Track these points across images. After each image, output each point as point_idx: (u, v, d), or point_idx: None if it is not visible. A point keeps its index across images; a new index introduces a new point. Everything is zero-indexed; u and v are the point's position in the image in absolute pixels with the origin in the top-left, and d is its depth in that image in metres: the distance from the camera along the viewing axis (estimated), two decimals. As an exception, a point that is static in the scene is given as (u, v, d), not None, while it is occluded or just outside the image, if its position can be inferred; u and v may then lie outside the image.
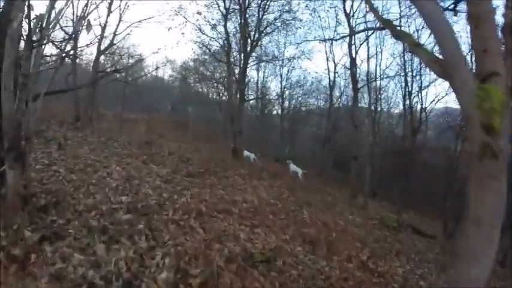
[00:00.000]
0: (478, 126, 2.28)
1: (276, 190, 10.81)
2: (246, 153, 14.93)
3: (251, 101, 25.70)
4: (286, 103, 27.92)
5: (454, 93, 2.61)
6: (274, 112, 30.98)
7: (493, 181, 2.30)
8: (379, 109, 21.69)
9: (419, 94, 18.73)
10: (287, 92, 26.91)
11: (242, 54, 14.29)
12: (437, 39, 2.70)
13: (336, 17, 17.09)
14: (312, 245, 6.63)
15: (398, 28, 5.02)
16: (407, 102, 18.77)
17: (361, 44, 16.50)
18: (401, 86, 19.49)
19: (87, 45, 16.23)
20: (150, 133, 13.70)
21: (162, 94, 30.64)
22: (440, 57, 2.65)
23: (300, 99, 27.82)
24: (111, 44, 16.15)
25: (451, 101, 19.34)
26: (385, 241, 9.40)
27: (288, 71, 26.01)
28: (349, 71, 16.99)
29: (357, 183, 15.96)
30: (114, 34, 16.04)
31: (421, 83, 18.53)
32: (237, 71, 15.71)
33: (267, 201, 8.75)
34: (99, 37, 15.65)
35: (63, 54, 6.84)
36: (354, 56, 15.32)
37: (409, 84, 18.64)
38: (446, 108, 21.02)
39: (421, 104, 18.86)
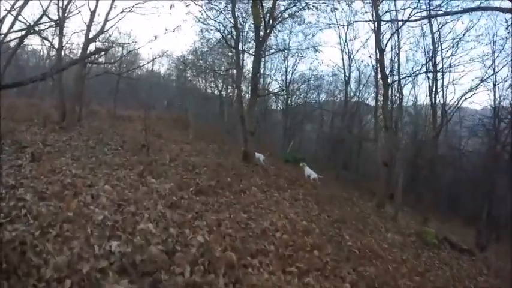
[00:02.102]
0: None
1: (302, 204, 9.06)
2: (257, 155, 13.08)
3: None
4: (292, 98, 25.93)
5: None
6: (273, 107, 29.16)
7: None
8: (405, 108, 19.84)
9: (444, 92, 16.96)
10: (293, 86, 24.87)
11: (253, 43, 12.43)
12: None
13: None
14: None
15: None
16: (433, 100, 16.94)
17: (392, 34, 14.53)
18: (428, 83, 17.37)
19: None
20: (146, 133, 11.72)
21: (158, 89, 28.64)
22: None
23: (307, 94, 25.80)
24: (101, 31, 14.01)
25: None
26: (434, 266, 8.23)
27: (294, 64, 23.97)
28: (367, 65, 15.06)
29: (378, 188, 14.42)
30: (105, 20, 13.93)
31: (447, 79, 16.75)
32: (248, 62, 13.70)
33: (300, 225, 6.96)
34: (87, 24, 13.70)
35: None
36: (383, 47, 13.37)
37: (435, 80, 16.83)
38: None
39: (444, 101, 17.00)
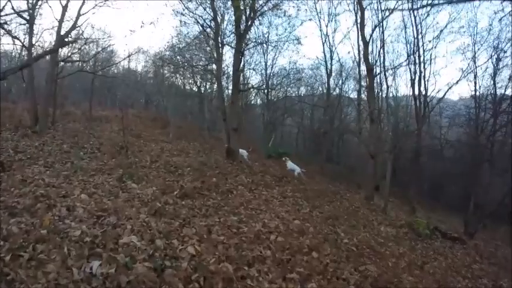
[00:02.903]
0: None
1: (292, 202, 8.71)
2: (240, 151, 12.66)
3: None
4: (272, 92, 25.27)
5: None
6: (253, 102, 28.82)
7: None
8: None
9: (426, 83, 17.24)
10: (273, 80, 24.24)
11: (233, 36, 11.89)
12: None
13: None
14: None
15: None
16: (416, 91, 17.24)
17: (376, 26, 14.32)
18: (410, 74, 17.64)
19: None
20: (124, 134, 11.14)
21: (135, 87, 27.71)
22: None
23: (287, 88, 25.39)
24: (74, 26, 13.17)
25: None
26: (430, 258, 8.20)
27: (274, 58, 23.52)
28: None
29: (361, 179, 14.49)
30: (78, 15, 13.09)
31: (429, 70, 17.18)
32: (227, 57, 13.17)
33: (294, 225, 6.61)
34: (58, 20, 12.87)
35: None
36: (367, 38, 13.12)
37: (417, 72, 17.10)
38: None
39: (426, 92, 17.32)
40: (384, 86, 18.47)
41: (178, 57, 19.12)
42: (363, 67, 19.09)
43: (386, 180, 12.24)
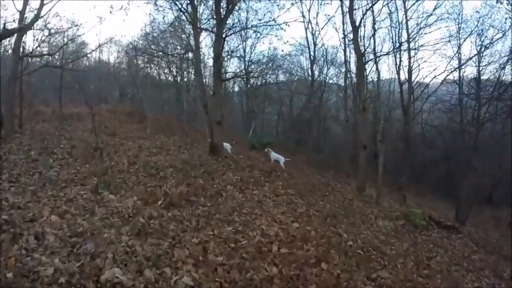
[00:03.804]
0: None
1: (286, 200, 8.15)
2: (224, 145, 11.97)
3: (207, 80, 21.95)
4: (251, 80, 24.47)
5: None
6: (231, 90, 27.75)
7: None
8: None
9: (411, 69, 16.91)
10: (253, 67, 23.30)
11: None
12: None
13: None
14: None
15: None
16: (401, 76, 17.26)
17: (367, 10, 13.70)
18: (395, 61, 17.80)
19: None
20: (97, 134, 10.20)
21: (108, 80, 26.24)
22: None
23: (268, 75, 24.60)
24: (37, 17, 11.91)
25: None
26: (432, 252, 7.95)
27: (253, 44, 22.74)
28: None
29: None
30: (41, 4, 11.82)
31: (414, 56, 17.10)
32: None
33: (294, 230, 6.15)
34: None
35: None
36: (357, 23, 12.58)
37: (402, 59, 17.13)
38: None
39: (410, 78, 17.03)
40: (379, 73, 18.39)
41: (152, 46, 18.17)
42: (349, 53, 18.97)
43: (379, 170, 11.83)
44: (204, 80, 17.05)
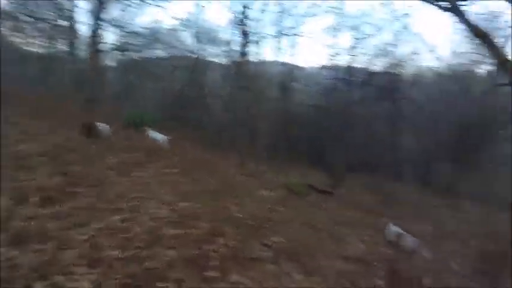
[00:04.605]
0: None
1: (171, 179, 7.90)
2: (101, 125, 10.95)
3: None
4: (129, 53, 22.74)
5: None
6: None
7: None
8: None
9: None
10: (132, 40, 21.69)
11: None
12: None
13: None
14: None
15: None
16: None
17: None
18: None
19: None
20: None
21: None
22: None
23: (148, 48, 23.14)
24: None
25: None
26: (316, 215, 8.94)
27: (135, 15, 20.92)
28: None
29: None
30: None
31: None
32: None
33: (184, 209, 6.06)
34: None
35: None
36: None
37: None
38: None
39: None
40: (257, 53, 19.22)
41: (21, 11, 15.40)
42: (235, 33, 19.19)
43: (259, 145, 12.44)
44: (79, 52, 15.28)
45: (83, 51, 17.60)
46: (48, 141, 8.88)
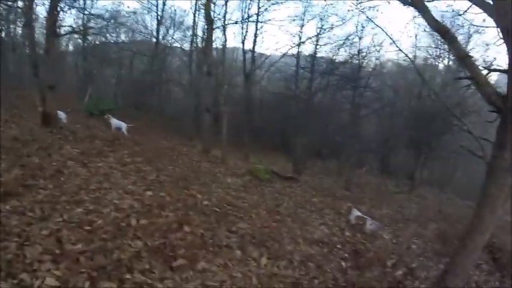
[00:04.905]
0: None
1: (134, 169, 7.69)
2: (59, 113, 10.51)
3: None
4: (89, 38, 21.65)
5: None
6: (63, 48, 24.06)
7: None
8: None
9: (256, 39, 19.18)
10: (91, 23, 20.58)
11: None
12: None
13: None
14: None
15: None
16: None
17: None
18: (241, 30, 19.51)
19: None
20: None
21: None
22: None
23: (108, 32, 22.17)
24: None
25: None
26: (279, 200, 9.06)
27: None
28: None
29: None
30: None
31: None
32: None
33: (148, 198, 6.03)
34: None
35: None
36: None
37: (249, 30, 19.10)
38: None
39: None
40: (226, 39, 18.93)
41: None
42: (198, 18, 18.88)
43: (223, 132, 12.43)
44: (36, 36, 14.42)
45: (40, 35, 16.71)
46: (4, 130, 8.48)
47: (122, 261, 3.78)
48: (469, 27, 14.64)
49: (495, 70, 6.29)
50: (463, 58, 4.28)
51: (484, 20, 6.67)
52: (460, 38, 15.18)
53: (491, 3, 4.43)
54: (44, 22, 12.79)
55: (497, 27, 4.54)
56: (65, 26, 17.80)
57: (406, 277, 5.80)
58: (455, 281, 4.57)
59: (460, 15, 7.14)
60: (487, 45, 15.20)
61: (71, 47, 24.10)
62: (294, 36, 20.21)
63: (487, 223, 4.25)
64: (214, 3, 13.90)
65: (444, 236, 8.27)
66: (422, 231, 9.06)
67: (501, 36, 4.36)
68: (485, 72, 4.67)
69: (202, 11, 13.79)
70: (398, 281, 5.58)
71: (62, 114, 10.75)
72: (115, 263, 3.71)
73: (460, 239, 4.94)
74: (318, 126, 18.64)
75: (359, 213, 8.31)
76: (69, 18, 20.51)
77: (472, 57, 4.55)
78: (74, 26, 19.42)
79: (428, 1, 4.57)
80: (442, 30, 4.36)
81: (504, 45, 3.94)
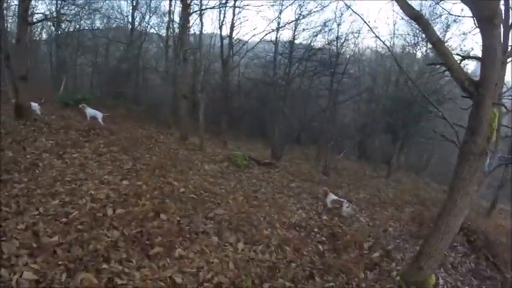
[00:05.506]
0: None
1: (110, 159, 7.69)
2: (32, 105, 10.29)
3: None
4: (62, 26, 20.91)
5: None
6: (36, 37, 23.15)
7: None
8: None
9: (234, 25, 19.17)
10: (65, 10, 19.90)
11: None
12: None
13: None
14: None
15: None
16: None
17: None
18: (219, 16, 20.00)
19: None
20: None
21: None
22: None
23: (82, 20, 21.55)
24: None
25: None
26: (257, 186, 9.27)
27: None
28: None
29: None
30: None
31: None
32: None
33: (124, 188, 6.01)
34: None
35: None
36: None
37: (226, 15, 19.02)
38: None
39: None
40: (202, 24, 18.56)
41: None
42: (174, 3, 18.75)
43: (200, 118, 12.43)
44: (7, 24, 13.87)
45: (12, 24, 16.16)
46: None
47: (99, 252, 3.84)
48: (446, 17, 15.03)
49: (469, 57, 6.61)
50: (436, 44, 4.41)
51: (462, 10, 6.85)
52: (438, 27, 15.76)
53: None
54: (16, 10, 12.34)
55: (473, 16, 4.68)
56: (38, 14, 17.24)
57: (383, 259, 5.93)
58: (429, 261, 4.74)
59: (437, 3, 7.26)
60: (464, 34, 15.99)
61: (44, 36, 23.25)
62: (272, 22, 20.77)
63: (459, 207, 4.41)
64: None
65: (420, 219, 8.49)
66: (399, 214, 9.31)
67: (477, 25, 4.50)
68: (457, 58, 4.81)
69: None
70: (375, 263, 5.71)
71: (35, 106, 10.51)
72: (92, 254, 3.77)
73: (434, 222, 5.13)
74: (296, 112, 18.80)
75: (335, 197, 8.47)
76: (41, 5, 19.73)
77: (444, 42, 4.73)
78: (46, 13, 18.74)
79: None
80: (415, 16, 4.46)
81: (479, 34, 4.06)
